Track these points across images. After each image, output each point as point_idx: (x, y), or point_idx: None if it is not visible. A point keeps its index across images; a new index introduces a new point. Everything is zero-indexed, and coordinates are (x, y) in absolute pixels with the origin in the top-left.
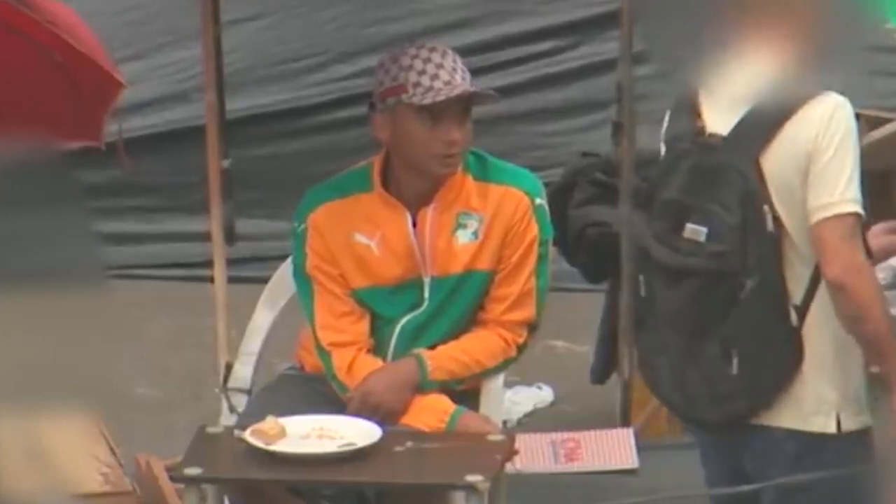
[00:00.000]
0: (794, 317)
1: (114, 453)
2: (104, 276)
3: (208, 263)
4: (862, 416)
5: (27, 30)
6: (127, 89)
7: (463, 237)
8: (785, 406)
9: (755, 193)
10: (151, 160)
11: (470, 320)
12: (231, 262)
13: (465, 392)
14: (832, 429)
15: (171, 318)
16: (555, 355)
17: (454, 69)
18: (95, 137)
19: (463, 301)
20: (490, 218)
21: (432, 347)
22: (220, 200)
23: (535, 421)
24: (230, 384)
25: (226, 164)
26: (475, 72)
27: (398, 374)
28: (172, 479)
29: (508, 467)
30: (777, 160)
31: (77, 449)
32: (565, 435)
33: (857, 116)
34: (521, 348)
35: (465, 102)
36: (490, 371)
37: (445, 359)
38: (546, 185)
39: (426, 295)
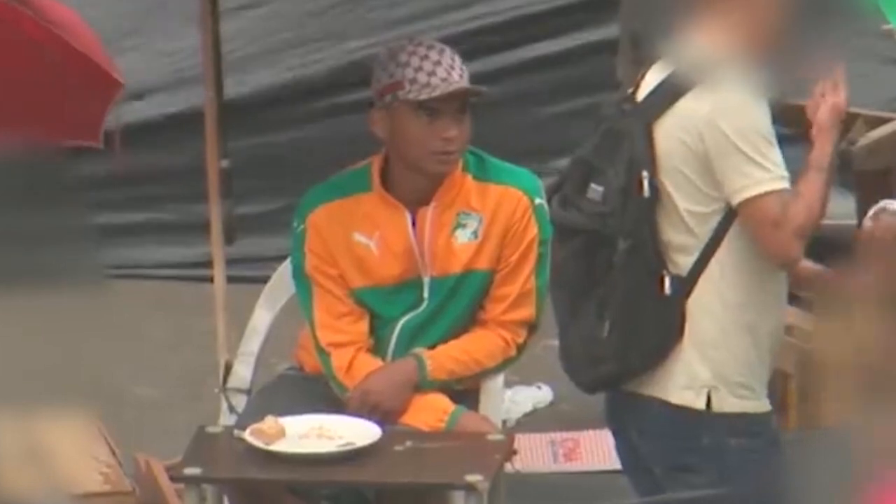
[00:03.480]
0: (668, 286)
1: (114, 453)
2: (103, 275)
3: (207, 263)
4: (746, 400)
5: (25, 28)
6: (125, 78)
7: (462, 237)
8: (657, 376)
9: (638, 159)
10: (150, 149)
11: (470, 320)
12: (230, 262)
13: (465, 392)
14: (700, 405)
15: (170, 318)
16: (554, 355)
17: (451, 66)
18: (94, 137)
19: (462, 301)
20: (489, 217)
21: (432, 347)
22: (218, 200)
23: (534, 421)
24: (229, 384)
25: (225, 163)
26: (472, 53)
27: (397, 374)
28: (172, 479)
29: (507, 467)
30: (668, 130)
31: (77, 449)
32: (564, 435)
33: (856, 116)
34: (520, 348)
35: (462, 100)
36: (490, 371)
37: (445, 358)
38: (547, 174)
39: (426, 295)
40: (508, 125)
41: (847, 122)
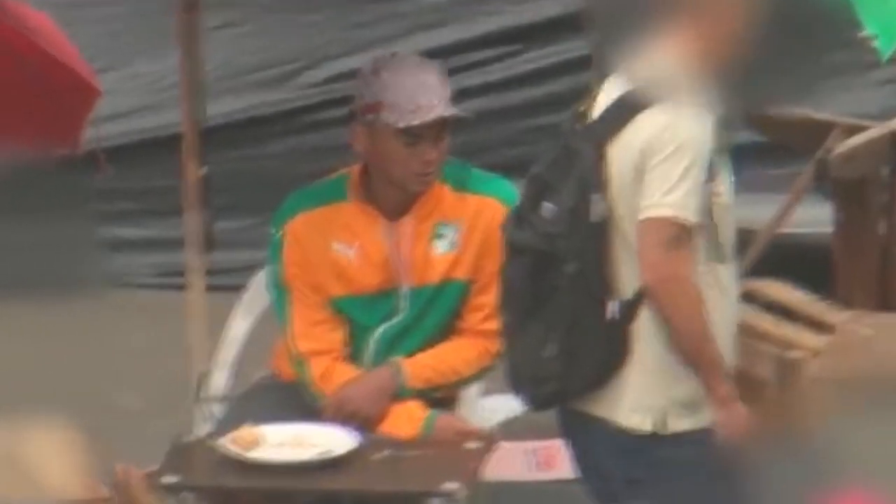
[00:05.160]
0: (611, 310)
1: (92, 461)
2: (100, 285)
3: (185, 271)
4: (696, 417)
5: (4, 37)
6: (103, 99)
7: (440, 247)
8: (604, 398)
9: (588, 180)
10: (127, 167)
11: (448, 329)
12: (208, 271)
13: (442, 400)
14: (647, 427)
15: (149, 327)
16: None
17: (434, 88)
18: (73, 144)
19: (440, 310)
20: (467, 228)
21: (410, 356)
22: (196, 208)
23: (510, 429)
24: (206, 393)
25: (203, 170)
26: (453, 71)
27: (375, 382)
28: (150, 487)
29: (486, 475)
30: (619, 152)
31: (56, 457)
32: (541, 443)
33: (833, 125)
34: (497, 357)
35: (442, 122)
36: (467, 379)
37: (422, 367)
38: None
39: (404, 304)
40: (487, 140)
41: (824, 131)
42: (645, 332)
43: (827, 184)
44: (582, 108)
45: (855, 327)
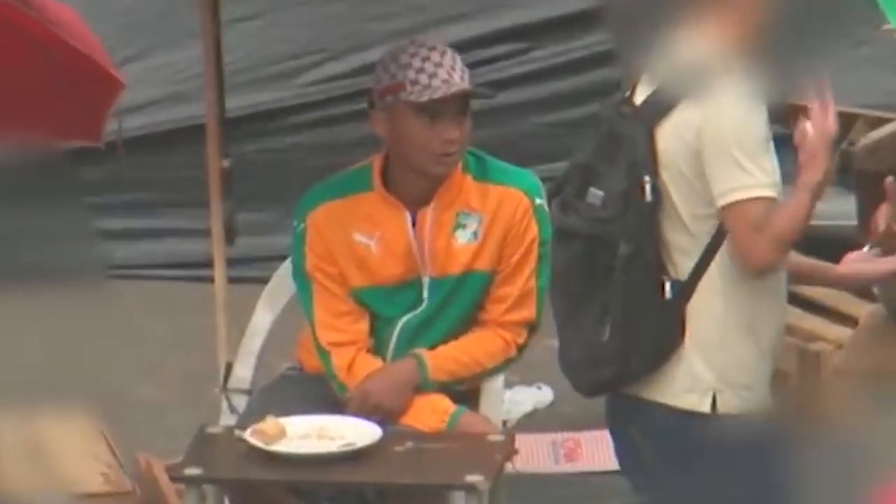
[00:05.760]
0: (668, 290)
1: (114, 453)
2: (104, 275)
3: (208, 263)
4: (743, 400)
5: (28, 29)
6: (126, 90)
7: (462, 237)
8: (657, 380)
9: (640, 163)
10: (151, 157)
11: (470, 320)
12: (231, 262)
13: (465, 392)
14: (705, 408)
15: (170, 318)
16: (555, 355)
17: (453, 67)
18: (95, 137)
19: (462, 301)
20: (490, 218)
21: (432, 347)
22: (220, 199)
23: (534, 421)
24: (230, 384)
25: (226, 163)
26: (474, 65)
27: (398, 374)
28: (172, 479)
29: (508, 467)
30: (670, 134)
31: (77, 449)
32: (565, 435)
33: (857, 116)
34: (521, 348)
35: (463, 101)
36: (490, 371)
37: (445, 359)
38: (544, 180)
39: (425, 295)
40: (507, 134)
41: (848, 123)
42: (700, 312)
43: (850, 176)
44: (627, 93)
45: (878, 319)
